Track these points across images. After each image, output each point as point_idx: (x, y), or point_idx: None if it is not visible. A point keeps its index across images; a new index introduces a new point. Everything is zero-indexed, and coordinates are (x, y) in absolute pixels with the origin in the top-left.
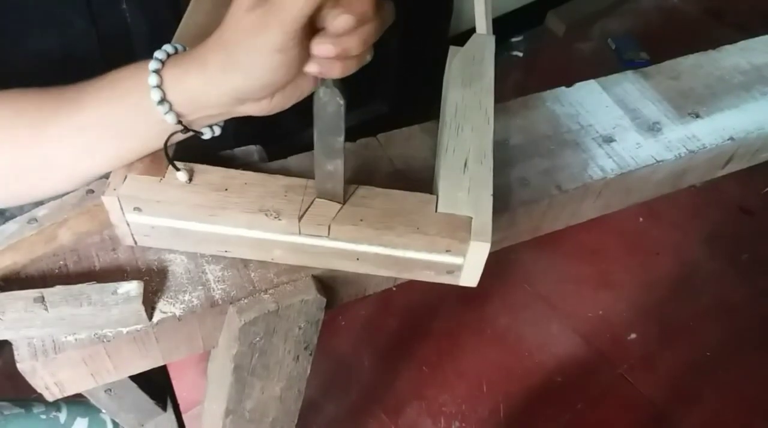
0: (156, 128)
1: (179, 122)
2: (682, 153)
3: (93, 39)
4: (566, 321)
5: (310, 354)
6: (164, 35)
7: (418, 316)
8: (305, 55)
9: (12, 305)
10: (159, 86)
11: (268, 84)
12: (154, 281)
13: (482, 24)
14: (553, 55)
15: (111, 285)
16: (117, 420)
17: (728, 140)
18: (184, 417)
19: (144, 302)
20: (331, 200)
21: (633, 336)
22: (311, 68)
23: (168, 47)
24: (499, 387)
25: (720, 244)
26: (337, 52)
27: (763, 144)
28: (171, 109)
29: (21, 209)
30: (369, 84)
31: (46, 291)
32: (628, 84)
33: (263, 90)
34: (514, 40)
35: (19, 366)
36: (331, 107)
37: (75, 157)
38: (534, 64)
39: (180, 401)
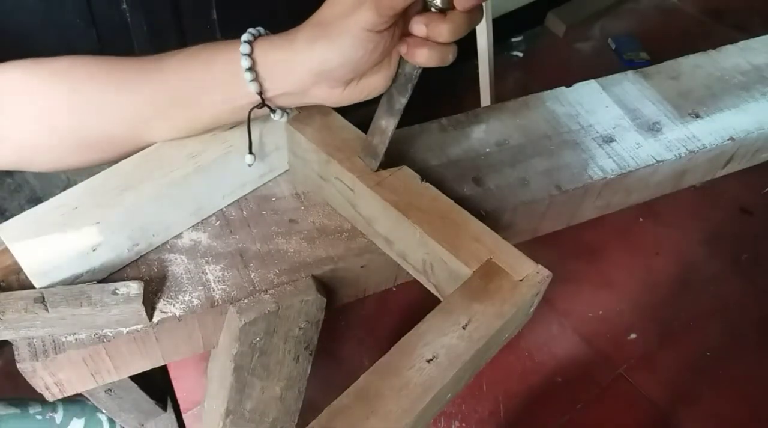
0: (233, 100)
1: (259, 94)
2: (682, 153)
3: (93, 39)
4: (566, 321)
5: (311, 354)
6: (164, 35)
7: (418, 316)
8: (392, 43)
9: (12, 305)
10: (249, 55)
11: (350, 60)
12: (154, 281)
13: (482, 25)
14: (553, 55)
15: (111, 285)
16: (117, 420)
17: (728, 140)
18: (184, 417)
19: (144, 302)
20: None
21: (633, 335)
22: (401, 48)
23: (258, 29)
24: (499, 387)
25: (720, 244)
26: (428, 34)
27: (763, 144)
28: (256, 78)
29: (21, 209)
30: None
31: (46, 291)
32: (628, 84)
33: (343, 67)
34: (514, 40)
35: (19, 366)
36: (408, 67)
37: (144, 122)
38: (534, 64)
39: (180, 401)
